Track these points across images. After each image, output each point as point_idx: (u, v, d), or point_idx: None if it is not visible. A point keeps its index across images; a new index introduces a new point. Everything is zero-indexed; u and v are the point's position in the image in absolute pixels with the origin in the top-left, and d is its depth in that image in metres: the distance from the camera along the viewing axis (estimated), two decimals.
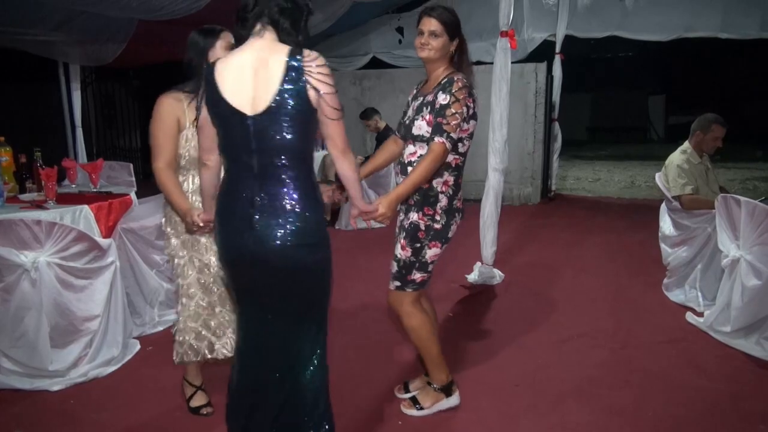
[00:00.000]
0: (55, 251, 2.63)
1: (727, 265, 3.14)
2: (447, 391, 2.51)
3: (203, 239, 2.32)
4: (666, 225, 4.03)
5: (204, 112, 1.75)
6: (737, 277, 3.03)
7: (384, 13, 7.90)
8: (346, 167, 1.83)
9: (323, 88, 1.68)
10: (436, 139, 2.18)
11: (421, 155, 2.24)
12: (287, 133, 1.67)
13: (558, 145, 7.73)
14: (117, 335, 2.94)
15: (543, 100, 7.37)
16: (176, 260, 2.36)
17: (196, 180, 2.23)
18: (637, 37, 7.24)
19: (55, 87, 5.46)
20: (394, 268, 2.37)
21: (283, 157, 1.69)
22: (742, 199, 3.03)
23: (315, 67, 1.67)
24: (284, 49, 1.68)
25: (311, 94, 1.67)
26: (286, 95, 1.65)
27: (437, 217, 2.31)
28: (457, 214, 2.37)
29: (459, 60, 2.35)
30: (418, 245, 2.31)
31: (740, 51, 10.52)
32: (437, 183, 2.29)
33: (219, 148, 1.79)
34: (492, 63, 4.08)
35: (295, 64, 1.65)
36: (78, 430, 2.41)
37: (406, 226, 2.34)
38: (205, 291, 2.37)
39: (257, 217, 1.70)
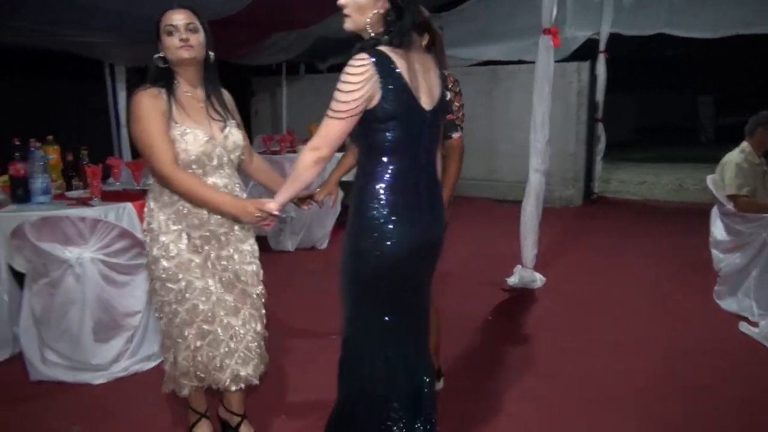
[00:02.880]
0: (98, 247, 2.68)
1: None
2: (437, 376, 2.59)
3: (196, 260, 1.98)
4: (717, 230, 3.86)
5: (351, 106, 1.62)
6: None
7: None
8: None
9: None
10: (455, 135, 2.33)
11: None
12: (439, 132, 1.89)
13: (602, 146, 7.51)
14: (157, 331, 2.98)
15: (586, 100, 7.18)
16: (170, 285, 1.96)
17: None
18: (687, 34, 6.96)
19: (101, 87, 5.61)
20: None
21: (435, 152, 1.87)
22: None
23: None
24: (430, 56, 1.86)
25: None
26: (443, 98, 1.85)
27: None
28: None
29: (436, 56, 2.32)
30: None
31: None
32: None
33: (382, 141, 1.71)
34: (533, 62, 3.98)
35: (439, 71, 1.86)
36: (117, 424, 2.45)
37: None
38: (207, 321, 1.98)
39: (428, 206, 1.81)
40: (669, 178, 9.51)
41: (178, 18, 1.92)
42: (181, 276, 1.97)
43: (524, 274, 4.02)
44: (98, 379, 2.73)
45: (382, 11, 1.66)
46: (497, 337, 3.33)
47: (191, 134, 1.93)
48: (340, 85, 1.62)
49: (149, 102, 1.88)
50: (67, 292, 2.66)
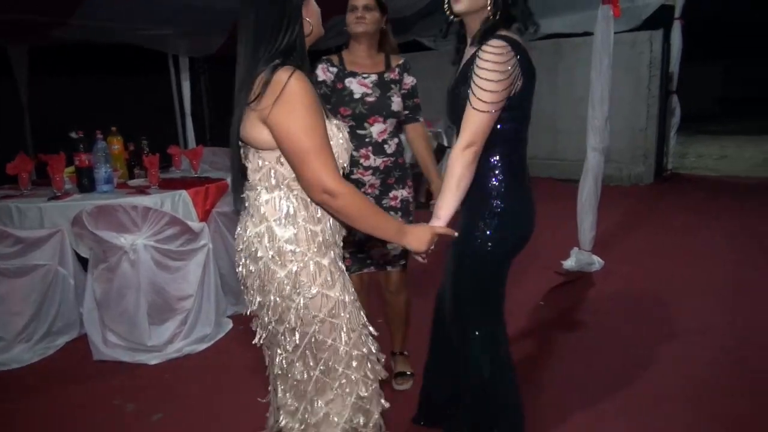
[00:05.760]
0: (150, 234, 2.80)
1: None
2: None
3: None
4: None
5: (501, 96, 1.59)
6: None
7: None
8: None
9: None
10: (420, 119, 2.41)
11: (392, 133, 2.35)
12: None
13: (676, 119, 7.05)
14: (210, 314, 3.09)
15: (659, 71, 6.74)
16: (332, 321, 1.45)
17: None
18: None
19: (165, 78, 5.83)
20: (397, 249, 2.30)
21: None
22: None
23: None
24: None
25: None
26: None
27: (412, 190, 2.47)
28: None
29: (386, 39, 2.37)
30: (411, 219, 2.42)
31: None
32: (407, 156, 2.48)
33: (515, 130, 1.72)
34: None
35: None
36: (171, 402, 2.56)
37: (396, 204, 2.38)
38: (362, 361, 1.53)
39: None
40: (753, 151, 8.82)
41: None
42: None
43: (581, 257, 3.85)
44: (154, 359, 2.87)
45: None
46: (548, 323, 3.22)
47: (341, 133, 1.49)
48: (484, 75, 1.55)
49: (312, 90, 1.36)
50: (123, 277, 2.80)
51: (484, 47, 1.56)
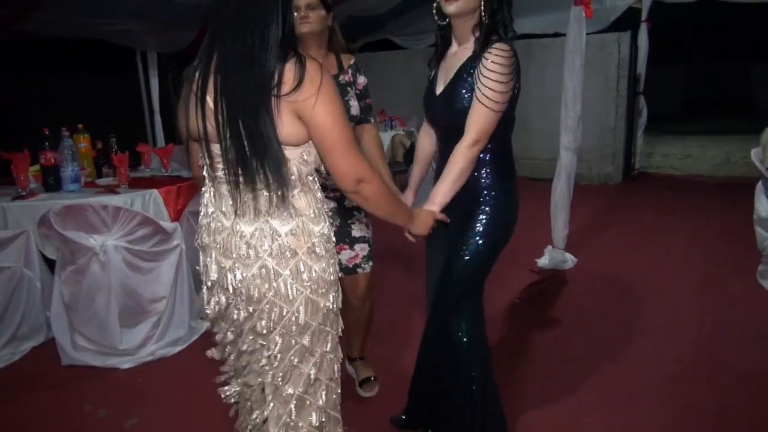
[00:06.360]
0: (121, 235, 2.72)
1: None
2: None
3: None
4: (762, 206, 3.64)
5: (508, 97, 1.71)
6: None
7: None
8: None
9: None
10: (372, 119, 2.34)
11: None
12: None
13: (643, 120, 7.21)
14: (183, 316, 3.03)
15: (627, 72, 6.88)
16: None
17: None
18: None
19: (133, 75, 5.69)
20: (366, 250, 2.34)
21: None
22: None
23: None
24: None
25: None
26: None
27: None
28: None
29: (334, 38, 2.27)
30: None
31: None
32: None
33: (505, 128, 1.81)
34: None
35: None
36: (144, 407, 2.50)
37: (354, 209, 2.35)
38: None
39: None
40: (716, 151, 9.08)
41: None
42: None
43: (555, 255, 3.90)
44: (126, 363, 2.79)
45: None
46: (524, 320, 3.25)
47: None
48: (495, 77, 1.64)
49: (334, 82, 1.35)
50: (93, 279, 2.72)
51: (492, 50, 1.65)
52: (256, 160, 1.29)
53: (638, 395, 2.44)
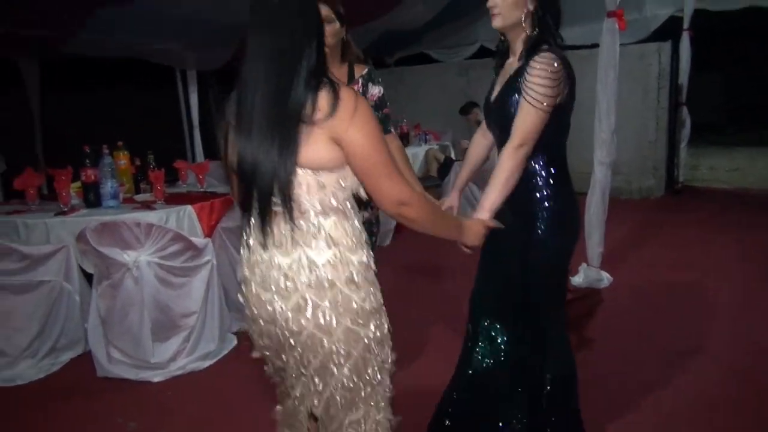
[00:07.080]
0: (153, 251, 2.79)
1: None
2: None
3: None
4: None
5: (555, 101, 1.71)
6: None
7: None
8: None
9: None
10: (392, 130, 2.34)
11: None
12: None
13: (687, 131, 6.98)
14: (214, 330, 3.08)
15: (667, 83, 6.69)
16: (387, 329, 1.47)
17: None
18: None
19: (173, 91, 5.87)
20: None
21: None
22: None
23: None
24: None
25: None
26: None
27: None
28: None
29: (349, 50, 2.25)
30: (374, 239, 2.38)
31: None
32: None
33: (560, 139, 1.84)
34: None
35: None
36: (174, 421, 2.54)
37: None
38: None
39: None
40: (766, 163, 8.72)
41: None
42: None
43: (589, 273, 3.80)
44: (157, 376, 2.85)
45: (531, 8, 1.72)
46: None
47: None
48: (538, 80, 1.66)
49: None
50: (126, 294, 2.79)
51: (537, 57, 1.68)
52: (277, 188, 1.30)
53: (670, 422, 2.34)
